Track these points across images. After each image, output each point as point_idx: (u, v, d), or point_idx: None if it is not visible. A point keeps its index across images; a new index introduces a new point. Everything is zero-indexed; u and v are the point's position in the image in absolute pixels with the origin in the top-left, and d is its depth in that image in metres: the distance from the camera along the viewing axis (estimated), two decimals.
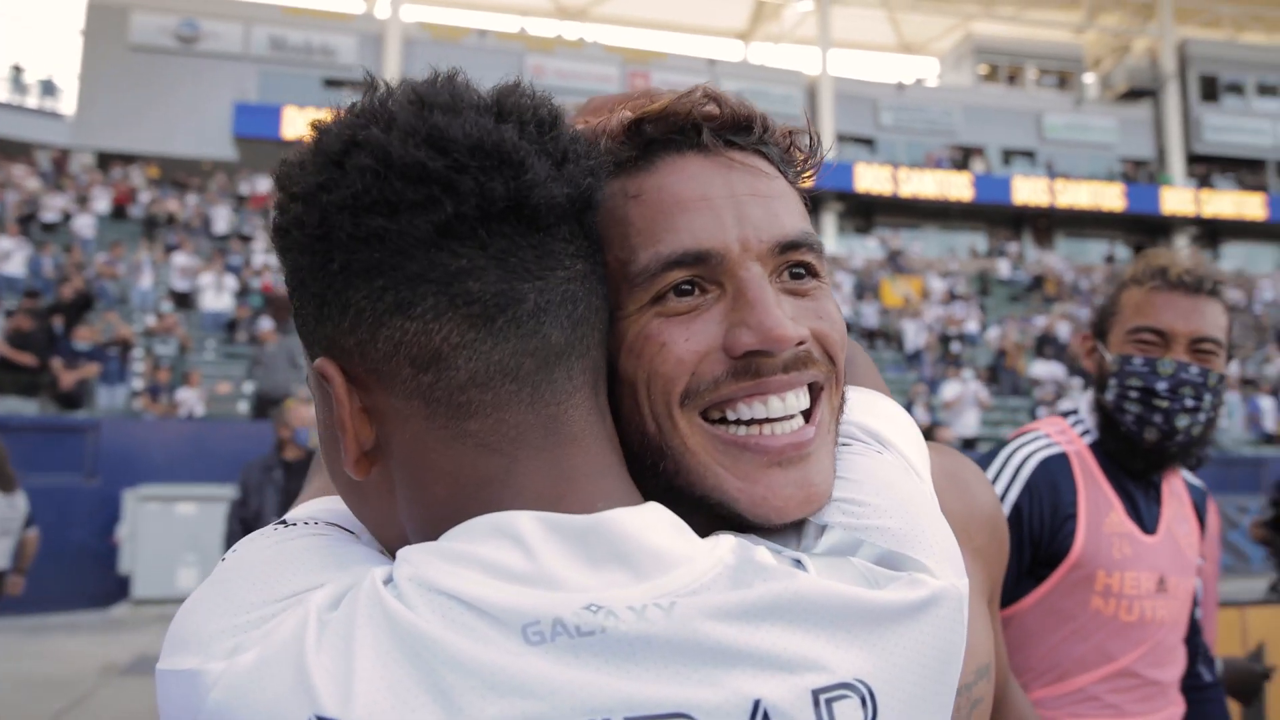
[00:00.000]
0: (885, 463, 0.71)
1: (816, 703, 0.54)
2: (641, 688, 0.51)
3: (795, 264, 0.68)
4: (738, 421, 0.65)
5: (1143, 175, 27.31)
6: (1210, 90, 28.24)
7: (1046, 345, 17.23)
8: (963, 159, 27.20)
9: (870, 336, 18.97)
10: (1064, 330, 18.11)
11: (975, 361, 17.35)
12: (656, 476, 0.65)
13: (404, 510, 0.60)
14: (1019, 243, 27.23)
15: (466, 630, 0.51)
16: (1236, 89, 28.43)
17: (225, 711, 0.50)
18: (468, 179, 0.55)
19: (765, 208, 0.67)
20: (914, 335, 17.62)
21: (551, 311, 0.58)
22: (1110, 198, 26.17)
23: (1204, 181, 27.44)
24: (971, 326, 18.84)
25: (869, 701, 0.56)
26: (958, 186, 25.57)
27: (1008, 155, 27.87)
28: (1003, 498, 1.79)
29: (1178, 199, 26.20)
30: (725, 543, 0.59)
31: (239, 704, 0.50)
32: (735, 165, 0.67)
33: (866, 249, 25.42)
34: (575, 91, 24.83)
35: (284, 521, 0.66)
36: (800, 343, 0.65)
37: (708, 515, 0.64)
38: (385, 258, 0.55)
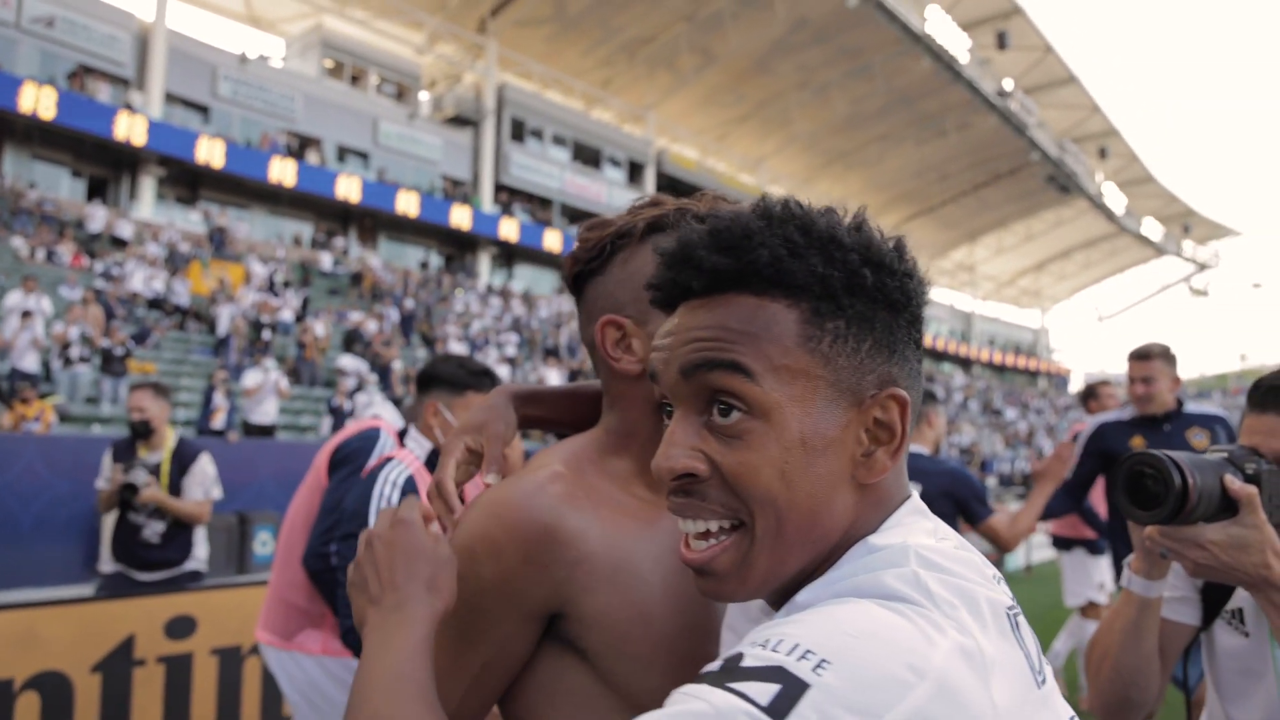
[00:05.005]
0: None
1: None
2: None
3: None
4: None
5: (459, 194, 30.35)
6: (518, 132, 32.48)
7: (356, 341, 18.03)
8: (299, 147, 27.08)
9: (183, 315, 18.09)
10: (373, 327, 19.32)
11: (287, 351, 17.60)
12: None
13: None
14: (345, 238, 28.14)
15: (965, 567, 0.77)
16: (537, 135, 33.20)
17: (958, 663, 0.66)
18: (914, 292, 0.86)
19: None
20: (226, 320, 17.29)
21: None
22: (431, 210, 28.40)
23: (506, 209, 31.52)
24: (286, 315, 18.94)
25: None
26: (289, 173, 25.36)
27: (343, 152, 28.60)
28: None
29: (484, 220, 29.91)
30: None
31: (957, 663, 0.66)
32: None
33: (189, 221, 24.13)
34: None
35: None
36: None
37: None
38: (914, 328, 0.85)
